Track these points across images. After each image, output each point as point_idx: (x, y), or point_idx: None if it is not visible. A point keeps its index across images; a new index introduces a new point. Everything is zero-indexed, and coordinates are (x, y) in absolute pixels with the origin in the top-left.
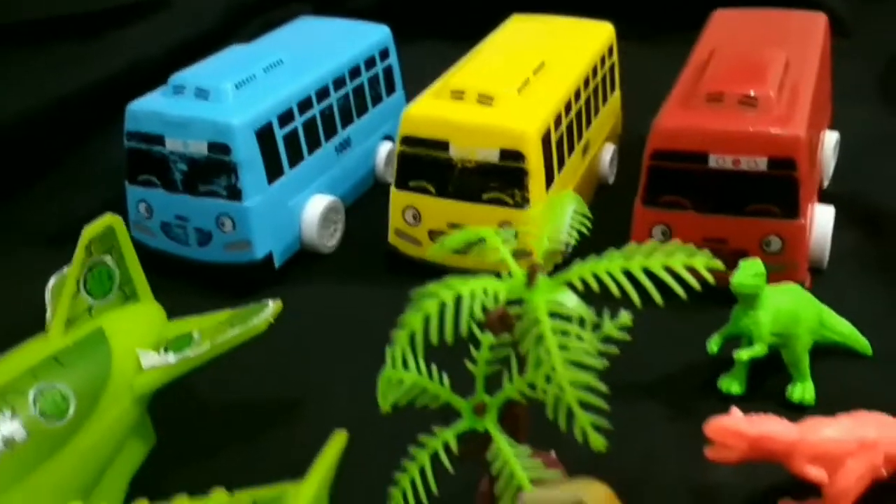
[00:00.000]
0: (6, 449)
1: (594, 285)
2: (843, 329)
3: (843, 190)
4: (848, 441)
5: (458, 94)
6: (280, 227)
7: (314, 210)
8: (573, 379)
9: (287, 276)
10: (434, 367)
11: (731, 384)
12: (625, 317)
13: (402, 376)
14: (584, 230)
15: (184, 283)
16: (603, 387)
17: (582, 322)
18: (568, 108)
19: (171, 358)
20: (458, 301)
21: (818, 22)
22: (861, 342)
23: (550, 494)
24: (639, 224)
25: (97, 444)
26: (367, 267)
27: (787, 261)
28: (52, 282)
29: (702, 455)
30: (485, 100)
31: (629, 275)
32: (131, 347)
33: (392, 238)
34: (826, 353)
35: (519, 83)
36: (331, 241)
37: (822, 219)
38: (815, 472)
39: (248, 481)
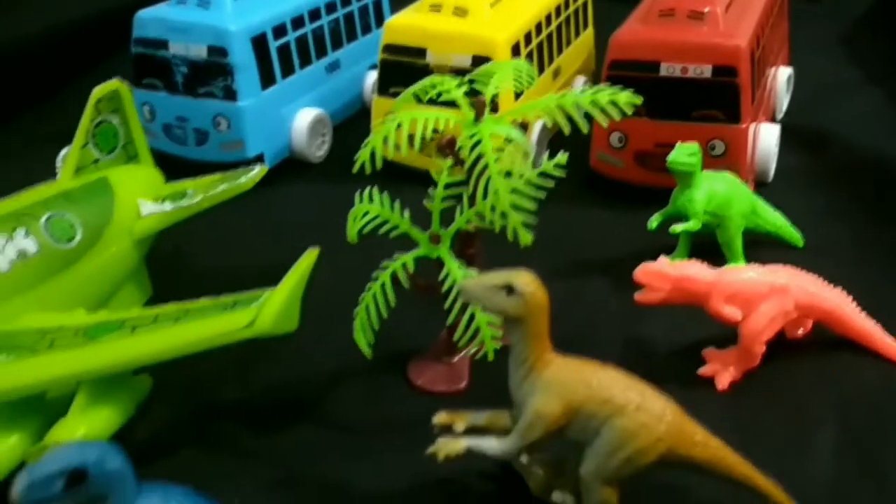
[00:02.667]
0: (20, 259)
1: (531, 119)
2: (775, 220)
3: (797, 122)
4: (761, 284)
5: (435, 7)
6: (271, 132)
7: (303, 120)
8: (507, 186)
9: (277, 178)
10: (396, 203)
11: None
12: (561, 157)
13: (368, 209)
14: (527, 84)
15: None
16: (531, 204)
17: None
18: (539, 28)
19: (168, 206)
20: (412, 123)
21: None
22: (792, 234)
23: (485, 279)
24: (598, 131)
25: (99, 272)
26: (350, 174)
27: (730, 164)
28: (63, 152)
29: (638, 317)
30: (460, 12)
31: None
32: (132, 197)
33: (374, 142)
34: (760, 244)
35: (492, 0)
36: (319, 152)
37: (766, 134)
38: (729, 311)
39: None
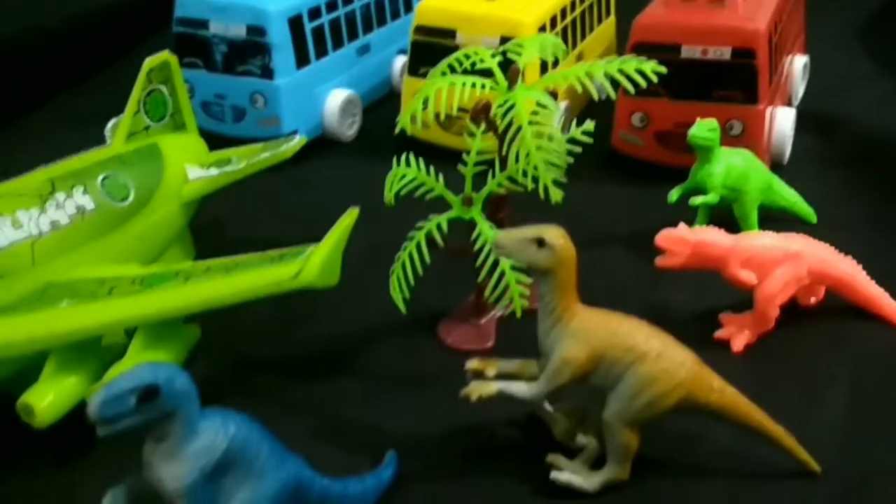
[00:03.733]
0: (78, 214)
1: (561, 87)
2: (790, 196)
3: (812, 108)
4: (776, 250)
5: None
6: (305, 110)
7: (335, 100)
8: (538, 145)
9: (309, 154)
10: (432, 168)
11: None
12: (588, 125)
13: (406, 172)
14: (557, 56)
15: None
16: (562, 163)
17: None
18: (564, 13)
19: (214, 172)
20: (451, 87)
21: None
22: (806, 210)
23: (517, 233)
24: (621, 111)
25: (149, 231)
26: (380, 152)
27: (748, 144)
28: (111, 122)
29: (657, 284)
30: None
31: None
32: (180, 162)
33: (403, 122)
34: (775, 219)
35: None
36: (349, 131)
37: (783, 117)
38: (745, 275)
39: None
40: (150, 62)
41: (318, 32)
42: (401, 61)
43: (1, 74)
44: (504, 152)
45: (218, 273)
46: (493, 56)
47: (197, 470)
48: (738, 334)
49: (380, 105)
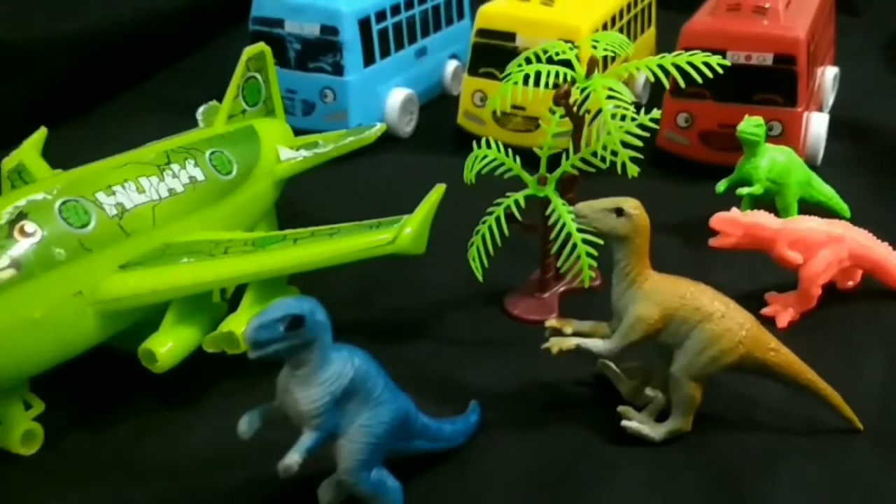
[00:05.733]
0: (191, 184)
1: (636, 74)
2: (827, 191)
3: (841, 116)
4: (820, 233)
5: None
6: (369, 106)
7: (396, 98)
8: (619, 126)
9: (371, 149)
10: (510, 151)
11: None
12: (655, 112)
13: (487, 153)
14: (628, 52)
15: None
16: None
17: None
18: (614, 20)
19: (304, 153)
20: (537, 76)
21: None
22: (841, 205)
23: (598, 203)
24: (667, 112)
25: (248, 204)
26: (437, 146)
27: (786, 144)
28: (201, 108)
29: (707, 268)
30: (547, 2)
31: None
32: (273, 143)
33: (461, 119)
34: (812, 213)
35: None
36: (407, 128)
37: (817, 121)
38: (792, 255)
39: None
40: (248, 52)
41: (383, 34)
42: (452, 65)
43: (88, 63)
44: (586, 133)
45: (323, 237)
46: (572, 48)
47: (328, 395)
48: (782, 312)
49: (432, 105)
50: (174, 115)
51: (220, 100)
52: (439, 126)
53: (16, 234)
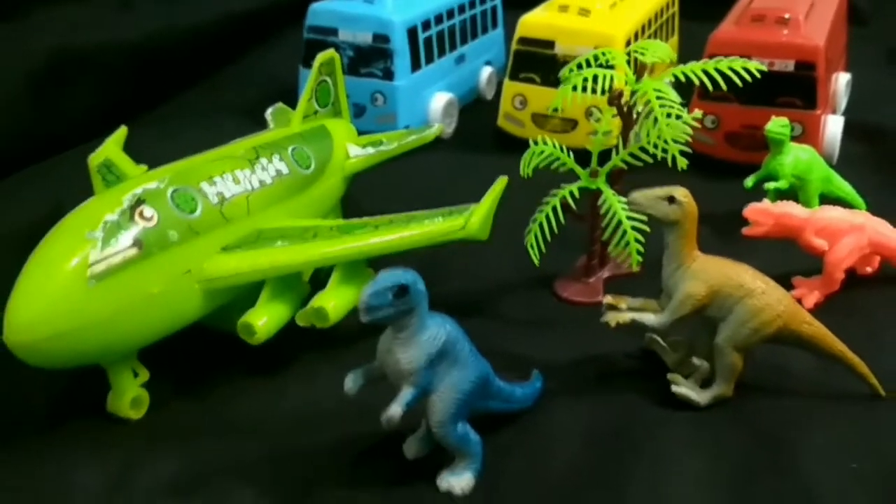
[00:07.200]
0: (278, 177)
1: (682, 78)
2: (845, 187)
3: (853, 119)
4: (844, 222)
5: (563, 8)
6: (416, 109)
7: (439, 101)
8: (669, 124)
9: (418, 148)
10: (564, 147)
11: None
12: (697, 112)
13: (543, 149)
14: (670, 59)
15: None
16: (686, 135)
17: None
18: (643, 29)
19: (371, 150)
20: (594, 78)
21: None
22: (857, 199)
23: (650, 192)
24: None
25: (323, 196)
26: (476, 146)
27: (806, 144)
28: (270, 109)
29: (737, 256)
30: (584, 12)
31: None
32: (343, 141)
33: (501, 121)
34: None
35: (609, 3)
36: (448, 129)
37: (833, 123)
38: (818, 242)
39: None
40: (321, 57)
41: (428, 42)
42: (487, 71)
43: (147, 69)
44: (632, 131)
45: (400, 223)
46: (625, 54)
47: (426, 355)
48: (808, 295)
49: (470, 109)
50: (227, 116)
51: (271, 101)
52: (477, 127)
53: (137, 217)
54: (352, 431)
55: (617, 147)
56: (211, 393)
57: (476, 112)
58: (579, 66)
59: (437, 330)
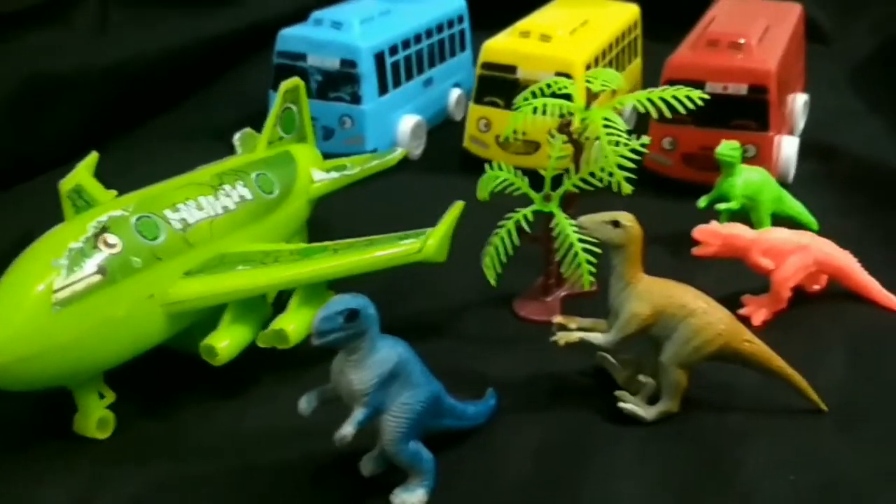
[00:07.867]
0: (242, 202)
1: (628, 107)
2: (797, 207)
3: (812, 138)
4: (789, 242)
5: (524, 34)
6: (384, 131)
7: (407, 124)
8: (614, 151)
9: (387, 170)
10: (518, 172)
11: None
12: (645, 139)
13: (499, 174)
14: (618, 86)
15: None
16: (632, 162)
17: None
18: (604, 54)
19: (335, 174)
20: (543, 108)
21: (794, 9)
22: (809, 219)
23: (597, 217)
24: (653, 136)
25: (287, 221)
26: (444, 168)
27: (760, 165)
28: (237, 134)
29: (689, 275)
30: (545, 38)
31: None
32: (308, 166)
33: (467, 143)
34: (783, 226)
35: (570, 29)
36: (417, 151)
37: (788, 144)
38: (765, 262)
39: None
40: (285, 85)
41: (395, 66)
42: (455, 93)
43: (119, 94)
44: (586, 156)
45: (359, 247)
46: (572, 84)
47: (377, 376)
48: (757, 312)
49: (439, 130)
50: (199, 139)
51: (243, 125)
52: (445, 149)
53: (100, 245)
54: (310, 450)
55: (569, 172)
56: (175, 413)
57: (445, 133)
58: (534, 94)
59: (389, 352)
